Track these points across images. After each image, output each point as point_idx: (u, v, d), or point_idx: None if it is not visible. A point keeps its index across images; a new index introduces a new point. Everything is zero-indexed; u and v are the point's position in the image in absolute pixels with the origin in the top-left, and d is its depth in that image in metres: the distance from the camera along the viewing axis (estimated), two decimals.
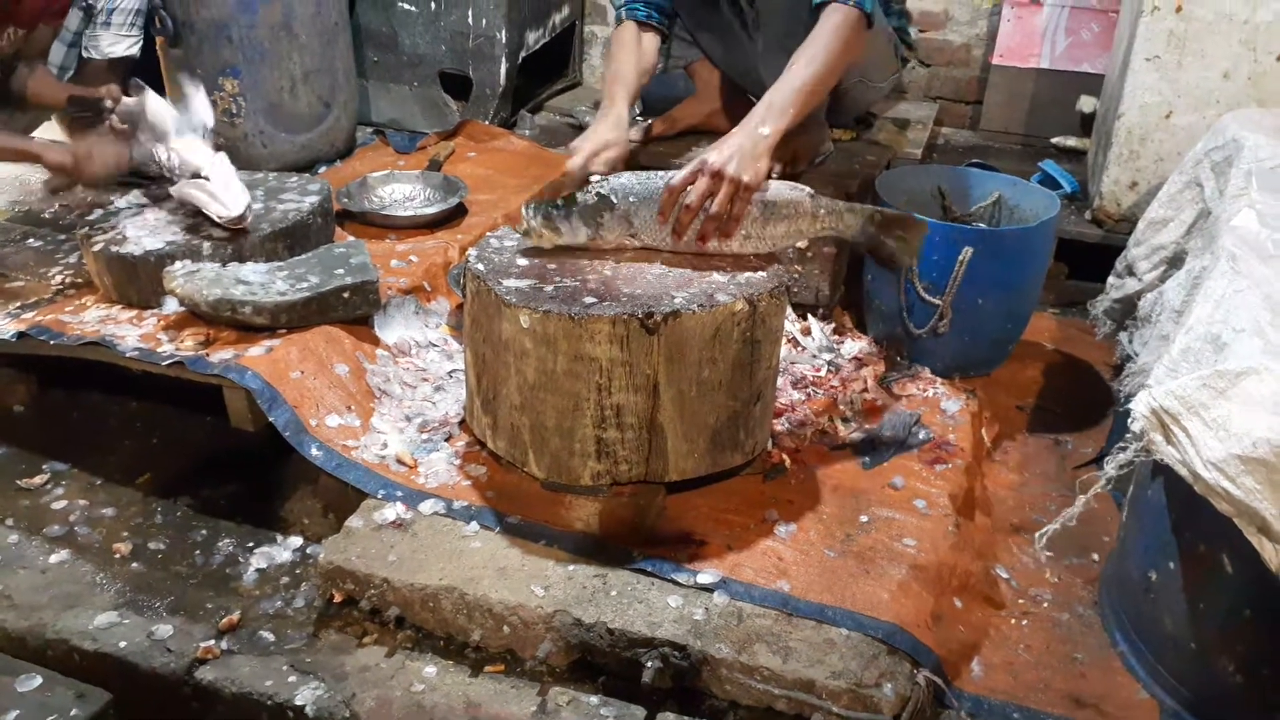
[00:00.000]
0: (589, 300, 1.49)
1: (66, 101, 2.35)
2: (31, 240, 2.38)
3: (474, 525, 1.64)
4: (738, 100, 2.49)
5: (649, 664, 1.44)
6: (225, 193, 1.99)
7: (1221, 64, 2.17)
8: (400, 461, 1.78)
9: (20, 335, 1.93)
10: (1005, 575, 1.72)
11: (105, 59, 2.44)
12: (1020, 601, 1.67)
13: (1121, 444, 1.33)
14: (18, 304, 2.09)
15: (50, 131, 2.70)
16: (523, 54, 3.09)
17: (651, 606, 1.49)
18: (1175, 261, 1.97)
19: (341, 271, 1.98)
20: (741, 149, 1.66)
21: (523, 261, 1.61)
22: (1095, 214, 2.48)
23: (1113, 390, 2.18)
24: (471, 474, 1.75)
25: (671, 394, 1.52)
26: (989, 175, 2.23)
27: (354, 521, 1.66)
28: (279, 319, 1.90)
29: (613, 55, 2.24)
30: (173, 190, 2.06)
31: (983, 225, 2.14)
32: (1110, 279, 2.17)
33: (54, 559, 1.73)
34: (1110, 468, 1.34)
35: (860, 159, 2.36)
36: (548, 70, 3.40)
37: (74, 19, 2.41)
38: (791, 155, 2.21)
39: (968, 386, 2.06)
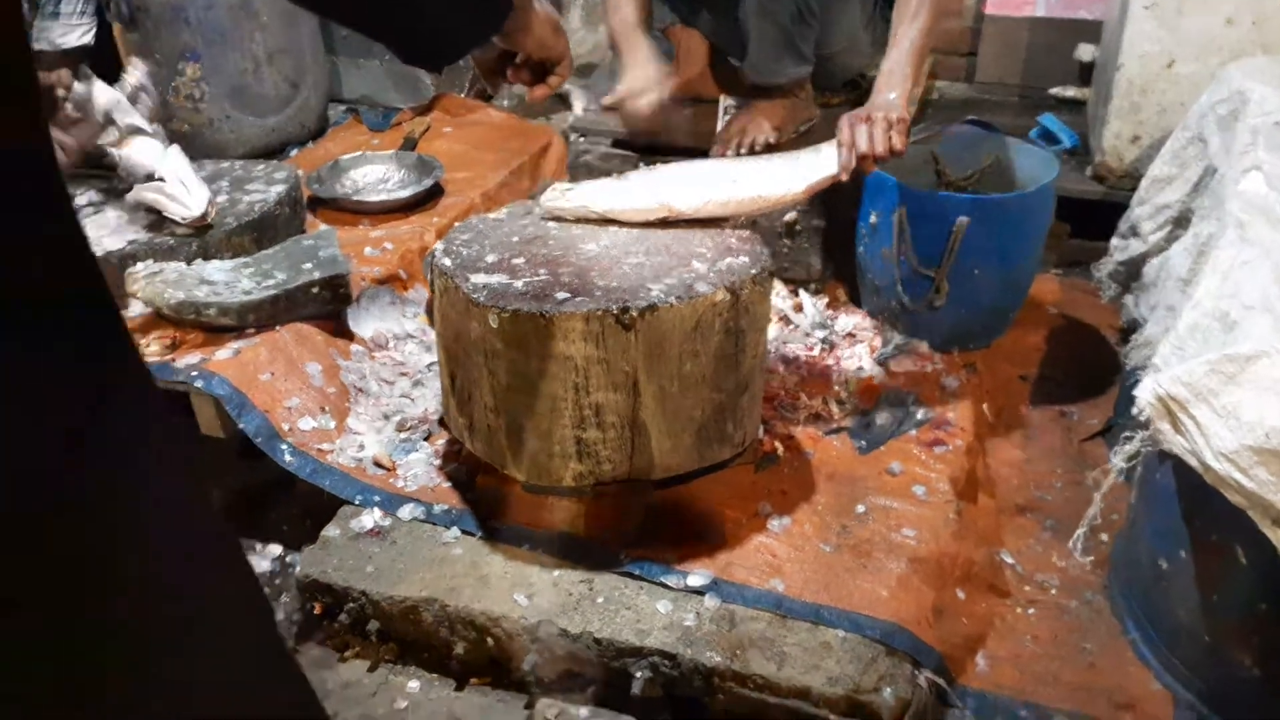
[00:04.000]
0: (561, 296, 1.41)
1: None
2: None
3: (455, 531, 1.58)
4: (721, 66, 2.39)
5: (638, 674, 1.38)
6: (183, 193, 1.91)
7: (1224, 9, 2.06)
8: (378, 464, 1.71)
9: None
10: (1010, 560, 1.65)
11: (57, 50, 2.33)
12: (1026, 589, 1.61)
13: (1128, 433, 1.25)
14: None
15: None
16: None
17: (640, 613, 1.43)
18: (1181, 221, 1.88)
19: (310, 266, 1.90)
20: (879, 103, 1.70)
21: (491, 257, 1.53)
22: (1096, 170, 2.38)
23: (1119, 356, 2.11)
24: (452, 475, 1.68)
25: (653, 390, 1.44)
26: (984, 137, 2.12)
27: (330, 530, 1.60)
28: (246, 319, 1.83)
29: (614, 5, 2.12)
30: (129, 197, 1.98)
31: (989, 191, 2.04)
32: (1113, 240, 2.08)
33: None
34: (1118, 459, 1.27)
35: None
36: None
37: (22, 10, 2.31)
38: (777, 124, 2.11)
39: (967, 360, 1.98)
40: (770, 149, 2.08)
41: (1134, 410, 1.21)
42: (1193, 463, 1.18)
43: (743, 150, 2.11)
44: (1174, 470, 1.34)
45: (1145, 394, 1.21)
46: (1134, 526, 1.52)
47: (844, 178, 1.61)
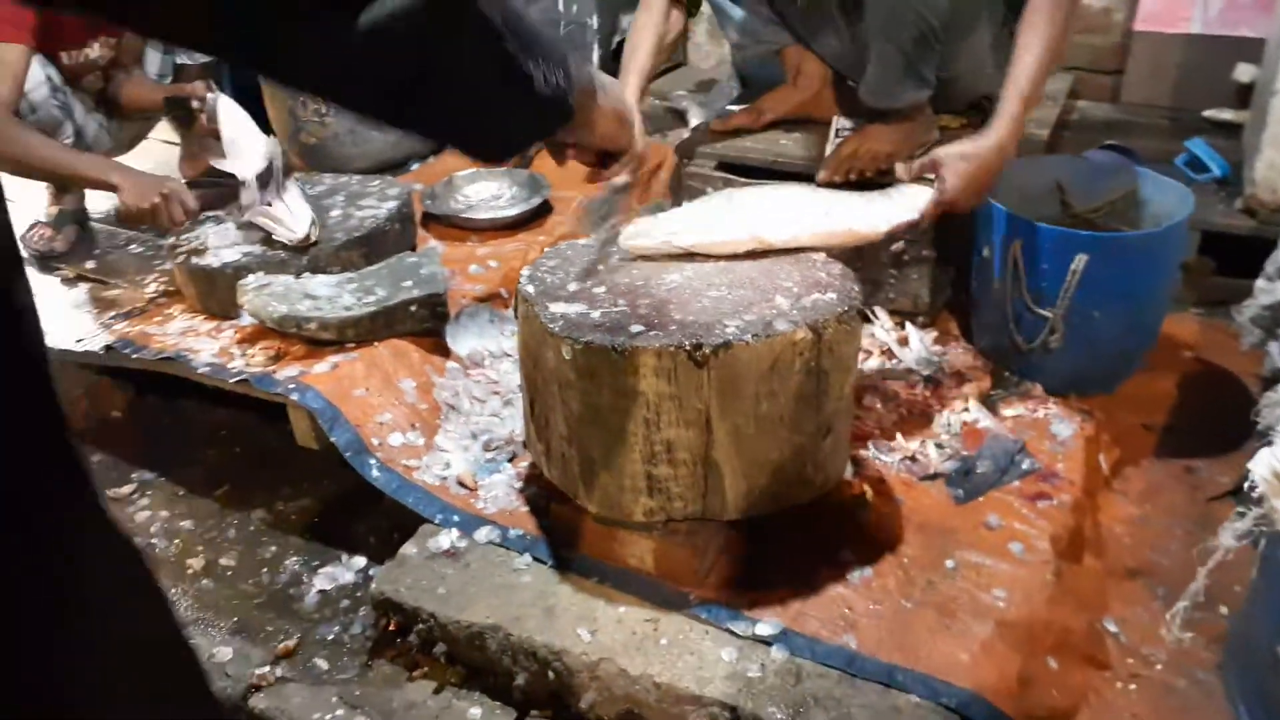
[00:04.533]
0: (635, 329, 1.38)
1: (163, 103, 2.39)
2: (133, 246, 2.45)
3: (527, 557, 1.57)
4: (838, 88, 2.31)
5: None
6: (287, 216, 1.98)
7: None
8: (461, 483, 1.73)
9: (107, 348, 1.98)
10: (1114, 629, 1.53)
11: (197, 64, 2.46)
12: (1129, 661, 1.48)
13: (1240, 508, 1.13)
14: (112, 313, 2.14)
15: (163, 133, 2.78)
16: (616, 39, 2.98)
17: (703, 659, 1.38)
18: None
19: (410, 284, 1.94)
20: (988, 179, 1.66)
21: (573, 285, 1.51)
22: (1247, 202, 2.18)
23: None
24: (531, 499, 1.68)
25: (726, 429, 1.39)
26: (1117, 166, 1.98)
27: (408, 549, 1.62)
28: (345, 334, 1.88)
29: (633, 27, 2.08)
30: (245, 218, 2.07)
31: (1118, 226, 1.90)
32: (1259, 281, 1.89)
33: None
34: (1226, 536, 1.15)
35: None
36: None
37: None
38: (891, 148, 2.02)
39: (1084, 406, 1.84)
40: (882, 175, 2.00)
41: (1246, 484, 1.09)
42: None
43: (851, 175, 2.04)
44: None
45: (1260, 467, 1.09)
46: (1252, 606, 1.38)
47: (922, 225, 1.57)
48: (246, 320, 1.94)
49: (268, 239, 2.05)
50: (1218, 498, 1.77)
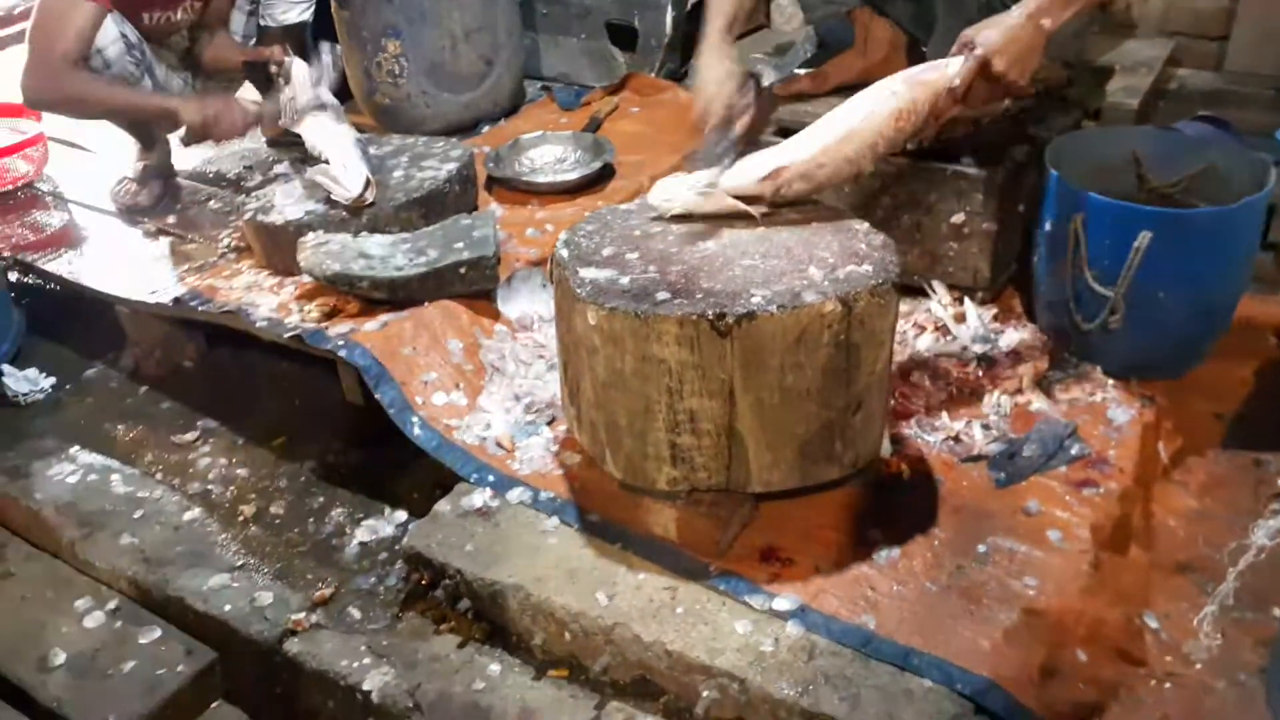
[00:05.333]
0: (661, 296, 1.37)
1: (241, 66, 2.46)
2: (213, 202, 2.53)
3: (555, 520, 1.59)
4: (910, 53, 2.23)
5: (705, 693, 1.34)
6: (344, 174, 2.02)
7: None
8: (499, 444, 1.75)
9: (176, 300, 2.06)
10: (1155, 625, 1.46)
11: (279, 26, 2.52)
12: (1168, 659, 1.42)
13: (1275, 505, 1.07)
14: (186, 266, 2.22)
15: (250, 94, 2.86)
16: (691, 0, 2.93)
17: (717, 630, 1.38)
18: None
19: (460, 245, 1.96)
20: (1023, 47, 1.56)
21: (607, 250, 1.51)
22: None
23: None
24: (565, 462, 1.69)
25: (750, 401, 1.37)
26: (1203, 138, 1.87)
27: (442, 505, 1.65)
28: (396, 293, 1.91)
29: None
30: (307, 176, 2.12)
31: (1195, 202, 1.79)
32: None
33: (187, 516, 1.84)
34: (1261, 536, 1.08)
35: (1037, 119, 2.03)
36: None
37: None
38: (958, 114, 1.88)
39: (1146, 392, 1.76)
40: (953, 143, 1.92)
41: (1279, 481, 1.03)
42: None
43: (924, 142, 1.96)
44: None
45: None
46: None
47: (957, 84, 1.53)
48: (307, 277, 2.00)
49: (330, 198, 2.09)
50: None
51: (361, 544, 1.77)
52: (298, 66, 2.16)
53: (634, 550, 1.51)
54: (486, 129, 2.82)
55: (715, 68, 1.75)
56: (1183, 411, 1.79)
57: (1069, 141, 1.87)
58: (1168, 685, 1.38)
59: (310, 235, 1.97)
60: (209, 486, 1.92)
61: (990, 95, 1.61)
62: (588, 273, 1.45)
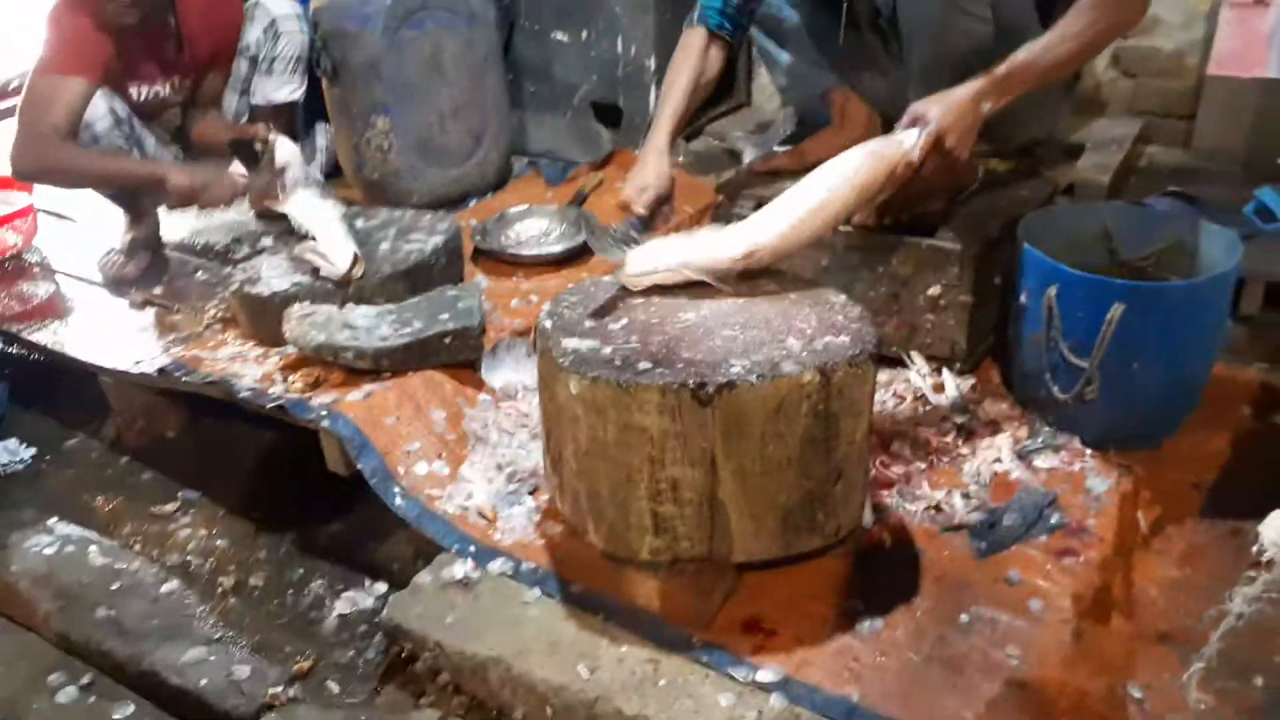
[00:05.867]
0: (643, 366, 1.39)
1: (229, 144, 2.50)
2: (200, 274, 2.55)
3: (536, 591, 1.58)
4: (884, 133, 2.29)
5: None
6: (332, 250, 2.05)
7: None
8: (481, 514, 1.74)
9: (161, 370, 2.06)
10: (1138, 695, 1.45)
11: (269, 104, 2.58)
12: None
13: (1250, 573, 1.08)
14: (171, 337, 2.23)
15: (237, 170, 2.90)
16: None
17: (700, 703, 1.37)
18: None
19: (446, 316, 1.98)
20: (968, 125, 1.67)
21: (590, 321, 1.53)
22: None
23: None
24: (547, 532, 1.69)
25: (732, 469, 1.38)
26: (1171, 213, 1.92)
27: (423, 577, 1.64)
28: (380, 364, 1.92)
29: (671, 65, 2.13)
30: (294, 252, 2.15)
31: (1166, 275, 1.83)
32: None
33: (165, 589, 1.82)
34: (1238, 603, 1.09)
35: (1009, 195, 2.08)
36: (715, 92, 3.29)
37: (241, 68, 2.57)
38: (921, 190, 1.94)
39: (1124, 461, 1.77)
40: (924, 218, 1.97)
41: (1255, 549, 1.04)
42: None
43: (903, 218, 2.01)
44: None
45: (1271, 532, 1.03)
46: None
47: (915, 156, 1.61)
48: (292, 348, 2.01)
49: (317, 271, 2.12)
50: (1265, 564, 1.67)
51: (341, 616, 1.75)
52: (285, 144, 2.20)
53: (616, 621, 1.50)
54: (474, 202, 2.87)
55: (656, 166, 2.00)
56: (1160, 481, 1.80)
57: (1042, 216, 1.92)
58: None
59: (296, 306, 1.99)
60: (188, 558, 1.91)
61: (938, 166, 1.69)
62: (570, 342, 1.47)
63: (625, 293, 1.60)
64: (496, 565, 1.63)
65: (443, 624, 1.54)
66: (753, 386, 1.33)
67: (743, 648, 1.43)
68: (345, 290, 2.07)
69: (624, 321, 1.53)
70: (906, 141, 1.64)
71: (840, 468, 1.45)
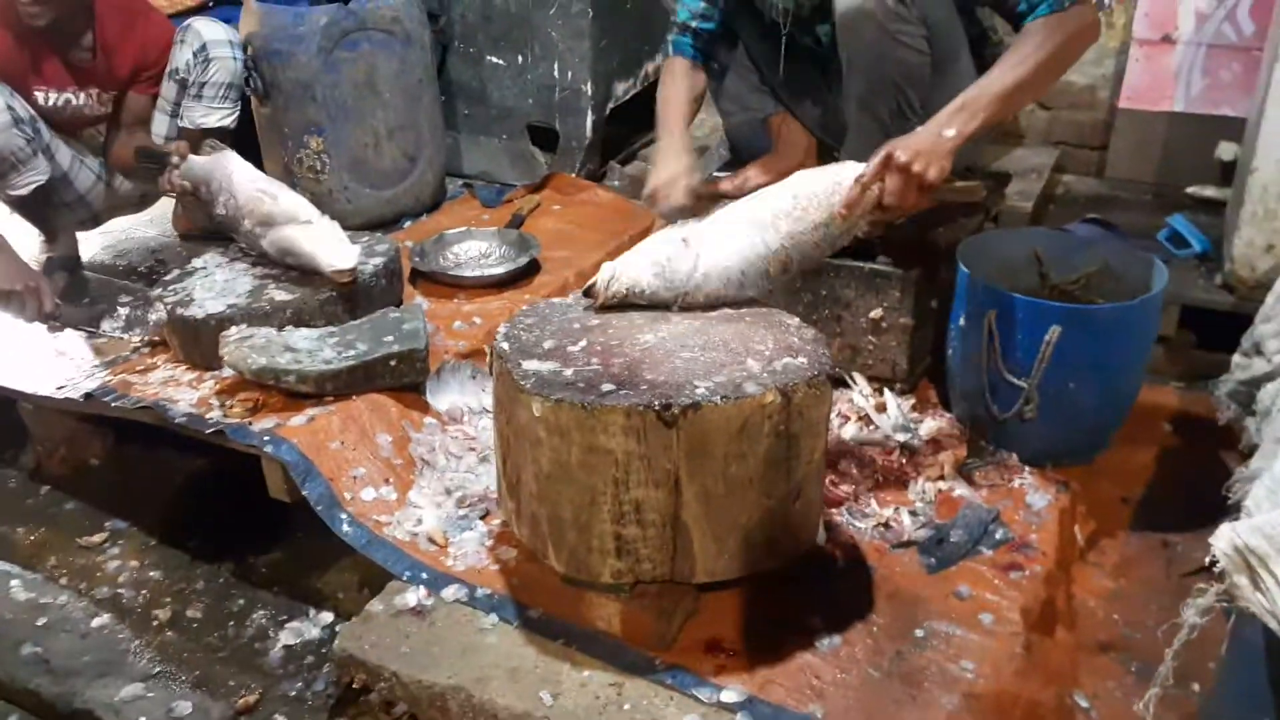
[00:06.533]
0: (606, 388, 1.39)
1: (136, 150, 2.41)
2: (123, 296, 2.46)
3: (494, 617, 1.56)
4: (824, 159, 2.34)
5: None
6: (331, 246, 2.03)
7: None
8: (431, 540, 1.71)
9: (88, 395, 1.98)
10: (1085, 704, 1.51)
11: (199, 129, 2.51)
12: None
13: (1201, 584, 1.12)
14: (96, 361, 2.15)
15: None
16: (611, 105, 3.03)
17: None
18: None
19: (391, 339, 1.95)
20: (926, 147, 1.63)
21: (549, 343, 1.52)
22: (1226, 278, 2.21)
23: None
24: (500, 557, 1.67)
25: (695, 490, 1.39)
26: (1094, 239, 2.01)
27: (374, 605, 1.60)
28: (324, 387, 1.88)
29: (663, 85, 2.19)
30: (270, 236, 2.09)
31: (1094, 298, 1.91)
32: (1236, 357, 1.91)
33: (96, 623, 1.74)
34: (1191, 614, 1.14)
35: (944, 220, 2.15)
36: (640, 120, 3.32)
37: (170, 89, 2.49)
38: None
39: (1060, 477, 1.84)
40: (863, 243, 2.01)
41: (1207, 559, 1.09)
42: (1271, 624, 1.05)
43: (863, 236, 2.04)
44: (1262, 628, 1.19)
45: (1222, 543, 1.08)
46: (1224, 682, 1.36)
47: (843, 212, 1.60)
48: (228, 371, 1.95)
49: (255, 291, 2.06)
50: (1193, 573, 1.75)
51: (286, 647, 1.70)
52: (196, 167, 2.16)
53: (577, 646, 1.49)
54: (408, 224, 2.83)
55: (682, 157, 1.97)
56: (1093, 496, 1.87)
57: (976, 242, 1.99)
58: None
59: (233, 329, 1.94)
60: (119, 590, 1.83)
61: (906, 187, 1.63)
62: (530, 365, 1.46)
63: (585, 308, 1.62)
64: (450, 592, 1.61)
65: (398, 653, 1.50)
66: (717, 407, 1.34)
67: (706, 668, 1.44)
68: (284, 313, 2.01)
69: (583, 344, 1.53)
70: (859, 166, 1.66)
71: (800, 486, 1.47)
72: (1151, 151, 2.80)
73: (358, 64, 2.60)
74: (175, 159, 2.21)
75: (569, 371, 1.44)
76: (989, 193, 1.96)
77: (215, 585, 1.85)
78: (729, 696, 1.39)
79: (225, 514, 2.02)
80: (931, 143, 1.65)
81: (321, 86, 2.56)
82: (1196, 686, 1.51)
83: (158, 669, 1.65)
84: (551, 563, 1.52)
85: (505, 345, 1.53)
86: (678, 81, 2.18)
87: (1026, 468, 1.85)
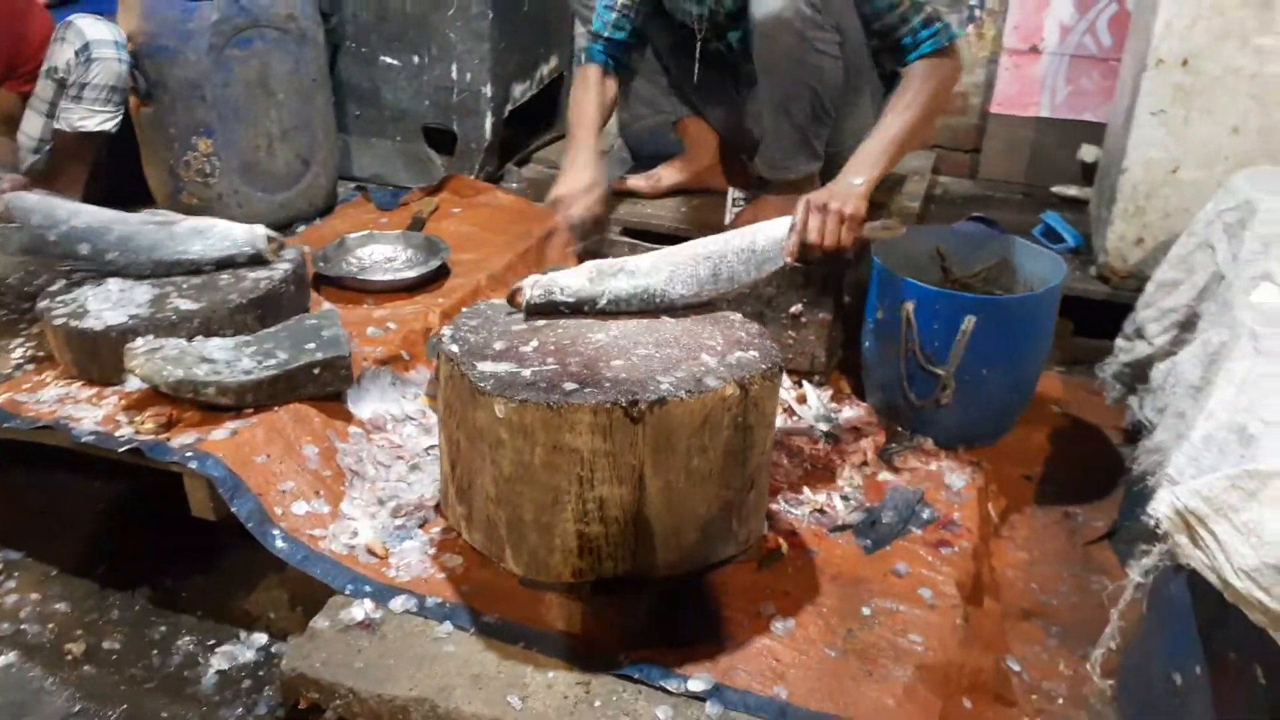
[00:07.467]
0: (569, 386, 1.39)
1: None
2: None
3: (448, 625, 1.53)
4: (731, 160, 2.41)
5: None
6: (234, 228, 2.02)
7: (1230, 119, 2.09)
8: (371, 552, 1.67)
9: None
10: (1017, 668, 1.61)
11: (75, 131, 2.35)
12: (1033, 698, 1.56)
13: (1144, 545, 1.23)
14: None
15: None
16: (509, 107, 3.02)
17: (639, 719, 1.38)
18: (1187, 325, 1.88)
19: (312, 346, 1.88)
20: (839, 190, 1.79)
21: (499, 344, 1.51)
22: (1100, 270, 2.39)
23: (1124, 458, 2.09)
24: (447, 565, 1.64)
25: (659, 485, 1.41)
26: (991, 236, 2.14)
27: (319, 622, 1.54)
28: (245, 399, 1.80)
29: (575, 95, 2.23)
30: (173, 230, 2.01)
31: (994, 290, 2.04)
32: (1118, 341, 2.08)
33: (1, 662, 1.62)
34: (1135, 573, 1.24)
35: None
36: (537, 122, 3.32)
37: (46, 89, 2.33)
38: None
39: (973, 458, 1.95)
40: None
41: (1150, 522, 1.19)
42: (1212, 579, 1.15)
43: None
44: (1189, 584, 1.31)
45: (1163, 506, 1.18)
46: (1146, 639, 1.48)
47: (789, 260, 1.67)
48: (132, 385, 1.84)
49: (157, 300, 1.96)
50: (1094, 541, 1.89)
51: (220, 673, 1.62)
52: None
53: (539, 649, 1.48)
54: (302, 229, 2.74)
55: (588, 170, 1.97)
56: (1001, 475, 1.99)
57: (885, 240, 2.08)
58: None
59: (139, 341, 1.83)
60: (22, 626, 1.70)
61: (830, 224, 1.74)
62: (486, 367, 1.45)
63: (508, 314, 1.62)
64: (399, 603, 1.57)
65: (352, 669, 1.46)
66: (682, 402, 1.37)
67: (670, 660, 1.46)
68: (191, 323, 1.91)
69: (534, 344, 1.52)
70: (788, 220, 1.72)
71: (753, 477, 1.51)
72: (1020, 154, 3.00)
73: (250, 62, 2.50)
74: (5, 184, 2.06)
75: (527, 372, 1.44)
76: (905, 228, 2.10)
77: (131, 614, 1.74)
78: (696, 686, 1.41)
79: (134, 538, 1.91)
80: (844, 188, 1.82)
81: (211, 86, 2.44)
82: (1113, 645, 1.63)
83: (79, 706, 1.54)
84: (509, 566, 1.51)
85: (454, 348, 1.51)
86: (590, 91, 2.19)
87: (942, 451, 1.96)
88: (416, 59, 2.89)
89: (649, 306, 1.62)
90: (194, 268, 2.04)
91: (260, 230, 2.02)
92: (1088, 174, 2.86)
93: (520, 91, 3.07)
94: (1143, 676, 1.47)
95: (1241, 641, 1.22)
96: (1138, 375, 2.01)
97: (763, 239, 1.64)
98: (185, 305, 1.96)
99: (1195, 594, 1.30)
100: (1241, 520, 1.13)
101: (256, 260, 2.04)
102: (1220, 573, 1.15)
